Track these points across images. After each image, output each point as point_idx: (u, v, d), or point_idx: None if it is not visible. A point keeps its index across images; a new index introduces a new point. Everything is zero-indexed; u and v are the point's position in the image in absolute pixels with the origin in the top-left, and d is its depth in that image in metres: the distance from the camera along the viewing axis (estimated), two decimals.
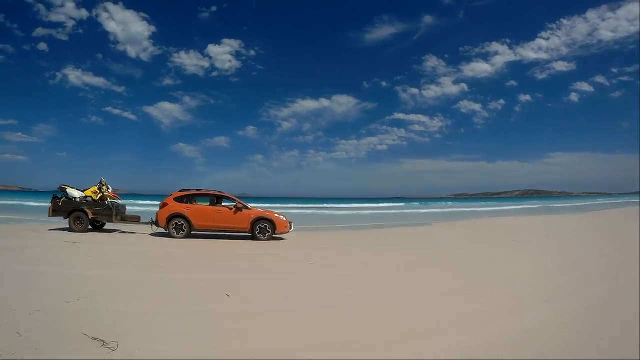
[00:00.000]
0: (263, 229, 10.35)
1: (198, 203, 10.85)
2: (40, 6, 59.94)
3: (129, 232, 11.52)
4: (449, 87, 56.20)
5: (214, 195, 10.90)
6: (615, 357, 2.35)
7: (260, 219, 10.40)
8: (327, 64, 69.70)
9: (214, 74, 61.64)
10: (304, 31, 67.17)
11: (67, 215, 10.90)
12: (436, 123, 57.16)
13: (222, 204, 10.95)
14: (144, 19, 63.66)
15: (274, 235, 10.44)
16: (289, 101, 60.72)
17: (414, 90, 56.75)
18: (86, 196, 11.32)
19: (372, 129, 60.65)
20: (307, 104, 59.78)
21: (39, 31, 61.30)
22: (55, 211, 11.04)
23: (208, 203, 10.80)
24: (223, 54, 60.48)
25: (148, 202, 27.77)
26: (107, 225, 11.82)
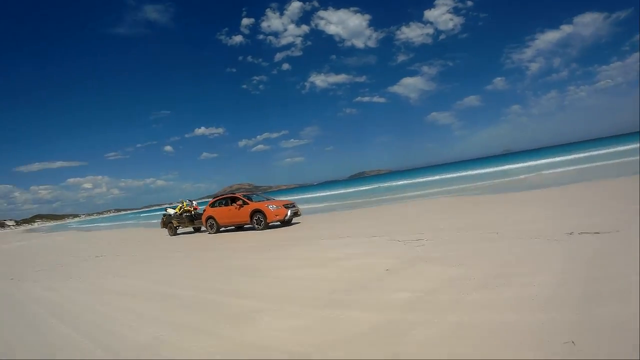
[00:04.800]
0: (258, 220, 11.89)
1: (221, 206, 13.47)
2: (271, 38, 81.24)
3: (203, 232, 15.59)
4: None
5: (228, 197, 13.30)
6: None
7: (255, 212, 12.00)
8: None
9: (442, 37, 64.26)
10: None
11: (164, 225, 16.06)
12: None
13: (253, 201, 12.84)
14: (356, 12, 74.65)
15: (269, 224, 11.78)
16: (528, 40, 55.63)
17: None
18: (176, 212, 16.17)
19: (636, 41, 47.20)
20: (549, 37, 52.33)
21: (278, 56, 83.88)
22: (163, 223, 16.42)
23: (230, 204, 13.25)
24: (441, 15, 62.55)
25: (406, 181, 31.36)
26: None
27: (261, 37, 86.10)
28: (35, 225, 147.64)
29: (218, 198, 13.84)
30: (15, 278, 8.70)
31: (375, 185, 36.80)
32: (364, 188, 34.80)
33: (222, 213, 13.16)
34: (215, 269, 6.94)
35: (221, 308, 4.18)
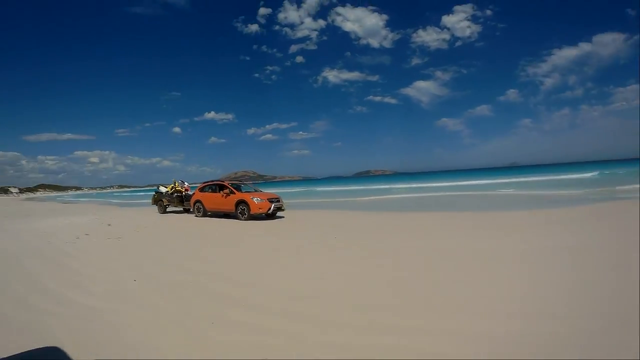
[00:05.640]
0: (242, 210, 12.40)
1: (210, 191, 13.98)
2: (287, 29, 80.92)
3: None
4: None
5: (216, 184, 13.80)
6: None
7: (240, 202, 12.51)
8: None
9: (458, 43, 64.13)
10: None
11: (155, 202, 16.62)
12: None
13: (241, 192, 13.35)
14: (374, 11, 74.09)
15: (252, 215, 12.29)
16: (545, 54, 55.72)
17: None
18: (167, 191, 16.67)
19: None
20: (566, 53, 52.40)
21: (293, 48, 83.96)
22: (154, 200, 16.96)
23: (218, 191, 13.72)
24: (459, 22, 62.17)
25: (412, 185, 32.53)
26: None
27: (277, 27, 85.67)
28: (37, 194, 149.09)
29: (207, 183, 14.34)
30: None
31: (377, 187, 37.36)
32: (362, 188, 35.32)
33: (210, 199, 13.68)
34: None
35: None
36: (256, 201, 12.32)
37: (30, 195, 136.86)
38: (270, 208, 12.39)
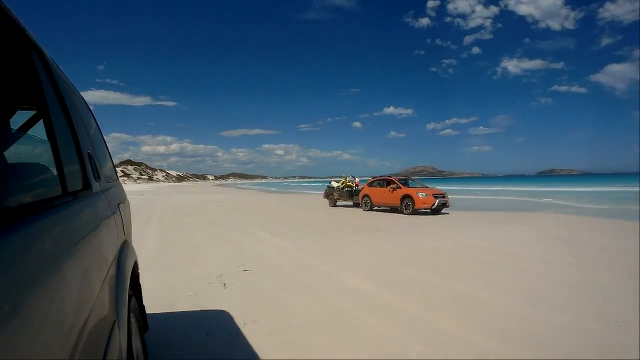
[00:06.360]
0: (406, 204, 13.10)
1: (378, 186, 15.23)
2: (458, 20, 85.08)
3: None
4: None
5: (384, 179, 14.92)
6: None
7: (405, 197, 13.23)
8: None
9: None
10: None
11: (326, 196, 19.23)
12: None
13: (407, 187, 14.29)
14: None
15: (417, 210, 12.83)
16: None
17: None
18: (338, 186, 19.06)
19: None
20: None
21: (467, 39, 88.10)
22: (326, 194, 19.70)
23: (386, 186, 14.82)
24: None
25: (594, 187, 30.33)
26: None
27: (448, 19, 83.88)
28: (229, 181, 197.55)
29: (376, 179, 15.70)
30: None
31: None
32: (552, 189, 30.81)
33: (377, 193, 14.98)
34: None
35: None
36: (421, 196, 12.79)
37: (222, 181, 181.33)
38: (434, 204, 12.63)
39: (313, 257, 6.04)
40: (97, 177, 1.61)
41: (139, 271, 2.09)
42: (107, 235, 1.41)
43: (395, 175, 15.80)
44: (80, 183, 1.32)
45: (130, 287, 1.59)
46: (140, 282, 2.17)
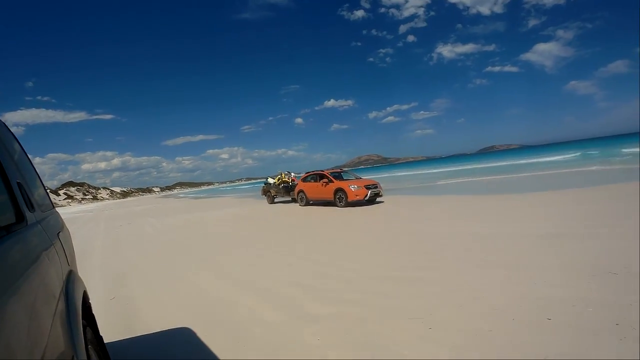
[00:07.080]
0: (340, 197, 13.12)
1: (312, 181, 15.06)
2: (393, 10, 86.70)
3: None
4: None
5: (317, 174, 14.81)
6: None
7: (338, 190, 13.23)
8: None
9: None
10: None
11: (264, 193, 18.69)
12: None
13: (340, 180, 14.13)
14: None
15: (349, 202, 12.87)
16: None
17: None
18: (274, 182, 18.58)
19: None
20: None
21: (402, 28, 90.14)
22: (263, 191, 19.10)
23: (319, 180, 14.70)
24: None
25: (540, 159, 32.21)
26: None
27: (382, 10, 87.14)
28: (175, 191, 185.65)
29: (309, 174, 15.51)
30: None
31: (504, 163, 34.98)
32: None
33: (311, 188, 14.82)
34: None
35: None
36: (353, 189, 12.87)
37: (168, 192, 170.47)
38: (367, 195, 12.78)
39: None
40: (31, 207, 1.52)
41: (90, 301, 1.97)
42: (50, 267, 1.34)
43: (340, 167, 15.80)
44: (12, 216, 1.25)
45: (83, 318, 1.50)
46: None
